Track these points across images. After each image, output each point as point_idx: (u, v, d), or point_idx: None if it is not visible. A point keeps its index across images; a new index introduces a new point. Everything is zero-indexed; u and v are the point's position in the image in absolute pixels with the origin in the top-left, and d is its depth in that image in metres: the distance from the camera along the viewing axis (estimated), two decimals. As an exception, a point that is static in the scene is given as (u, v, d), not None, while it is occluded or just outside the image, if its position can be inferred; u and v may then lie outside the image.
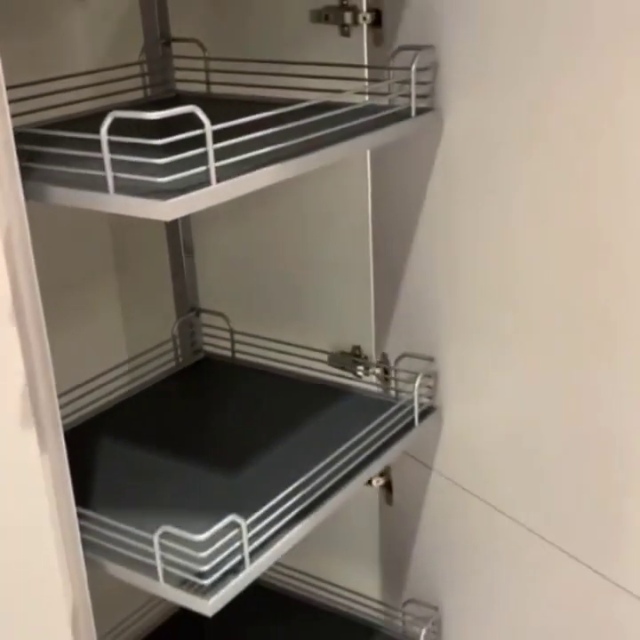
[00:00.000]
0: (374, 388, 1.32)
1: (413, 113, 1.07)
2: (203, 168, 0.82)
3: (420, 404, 1.20)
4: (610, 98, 0.89)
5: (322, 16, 1.22)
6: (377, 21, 1.18)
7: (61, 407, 0.89)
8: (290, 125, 0.92)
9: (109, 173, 0.80)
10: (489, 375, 1.14)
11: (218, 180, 0.82)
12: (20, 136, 0.84)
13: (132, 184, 0.82)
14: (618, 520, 1.02)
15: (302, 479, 1.03)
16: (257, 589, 1.51)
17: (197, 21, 1.32)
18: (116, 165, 0.81)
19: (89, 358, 1.38)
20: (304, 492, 1.03)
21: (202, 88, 1.27)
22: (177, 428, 1.23)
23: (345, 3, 1.21)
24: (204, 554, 0.92)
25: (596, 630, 1.09)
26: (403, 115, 1.07)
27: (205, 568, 0.92)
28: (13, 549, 0.85)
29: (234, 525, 0.93)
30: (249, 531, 0.94)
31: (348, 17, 1.20)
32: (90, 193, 0.81)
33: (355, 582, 1.47)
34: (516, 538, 1.17)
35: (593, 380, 1.00)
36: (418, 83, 1.07)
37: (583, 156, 0.94)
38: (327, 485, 1.06)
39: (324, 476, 1.06)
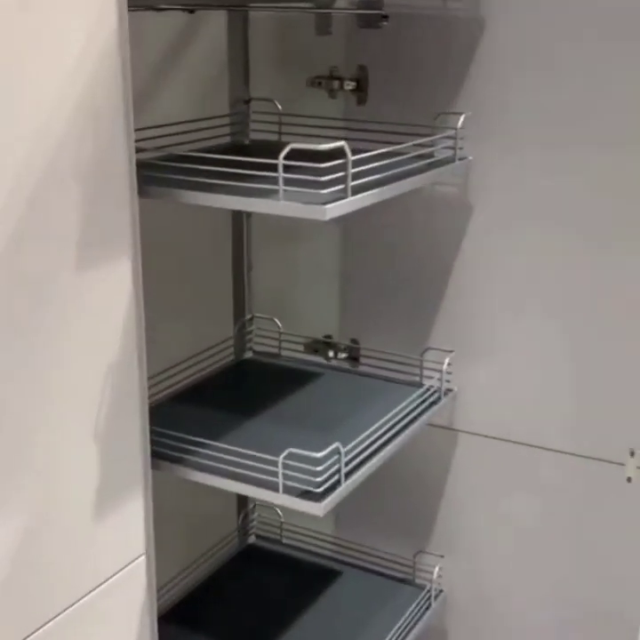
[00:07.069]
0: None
1: (457, 159, 1.46)
2: (342, 186, 1.16)
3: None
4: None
5: (315, 82, 1.64)
6: (358, 88, 1.61)
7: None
8: (385, 162, 1.27)
9: (281, 187, 1.14)
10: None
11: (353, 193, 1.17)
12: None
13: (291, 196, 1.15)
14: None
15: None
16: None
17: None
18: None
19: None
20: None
21: (273, 136, 1.63)
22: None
23: (332, 74, 1.63)
24: (319, 468, 1.25)
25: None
26: (446, 161, 1.45)
27: (319, 479, 1.24)
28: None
29: (337, 451, 1.27)
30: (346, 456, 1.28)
31: (335, 84, 1.63)
32: (263, 200, 1.15)
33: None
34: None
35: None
36: (450, 138, 1.46)
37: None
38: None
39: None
